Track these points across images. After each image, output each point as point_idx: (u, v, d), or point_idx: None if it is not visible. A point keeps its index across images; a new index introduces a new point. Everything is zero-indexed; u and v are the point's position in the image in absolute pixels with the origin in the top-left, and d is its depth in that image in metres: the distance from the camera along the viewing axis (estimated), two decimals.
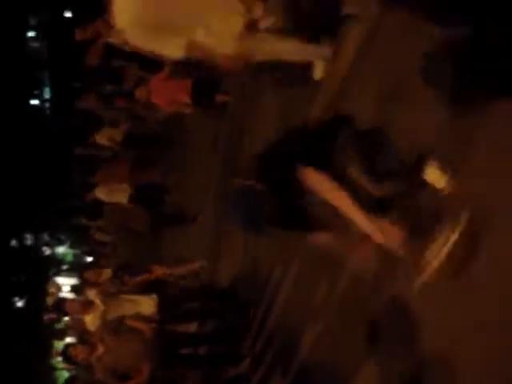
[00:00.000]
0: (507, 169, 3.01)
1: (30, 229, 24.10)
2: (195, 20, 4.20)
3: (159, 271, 8.34)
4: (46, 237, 25.98)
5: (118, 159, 11.63)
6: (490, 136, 3.16)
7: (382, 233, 3.32)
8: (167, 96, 7.96)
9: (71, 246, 25.76)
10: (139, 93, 8.21)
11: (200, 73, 7.54)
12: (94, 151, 12.22)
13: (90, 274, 8.63)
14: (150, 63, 8.30)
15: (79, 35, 8.16)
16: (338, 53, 4.82)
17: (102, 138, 11.19)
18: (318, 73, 5.01)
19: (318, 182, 3.37)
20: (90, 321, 7.10)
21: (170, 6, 4.12)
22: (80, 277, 9.36)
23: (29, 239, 25.33)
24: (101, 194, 10.48)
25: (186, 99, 7.87)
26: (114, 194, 10.31)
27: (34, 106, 24.13)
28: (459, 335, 3.15)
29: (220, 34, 4.29)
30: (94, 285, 8.13)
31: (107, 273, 8.40)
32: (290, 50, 4.72)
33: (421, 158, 3.31)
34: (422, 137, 3.62)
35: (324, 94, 5.25)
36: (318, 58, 4.94)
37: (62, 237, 25.85)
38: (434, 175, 3.25)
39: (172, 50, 4.36)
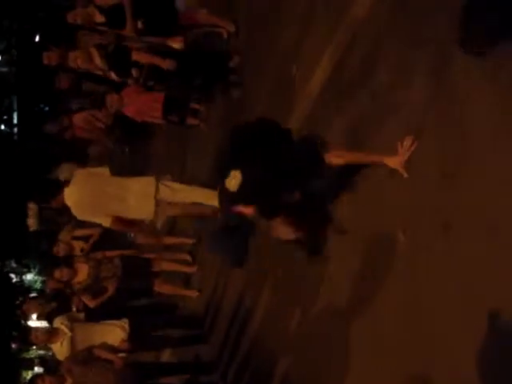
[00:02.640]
0: None
1: None
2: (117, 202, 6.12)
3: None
4: (12, 263, 25.53)
5: None
6: None
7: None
8: (139, 107, 7.88)
9: (39, 273, 25.32)
10: (110, 99, 8.09)
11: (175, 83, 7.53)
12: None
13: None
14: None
15: (46, 59, 8.08)
16: None
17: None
18: None
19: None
20: (58, 350, 6.90)
21: (98, 195, 6.13)
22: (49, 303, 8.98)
23: None
24: None
25: (158, 112, 7.81)
26: None
27: (1, 131, 23.87)
28: None
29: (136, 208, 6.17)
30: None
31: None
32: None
33: None
34: None
35: None
36: None
37: (30, 263, 25.40)
38: None
39: (103, 221, 6.37)
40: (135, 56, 7.39)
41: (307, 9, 5.66)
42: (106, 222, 6.30)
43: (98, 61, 7.73)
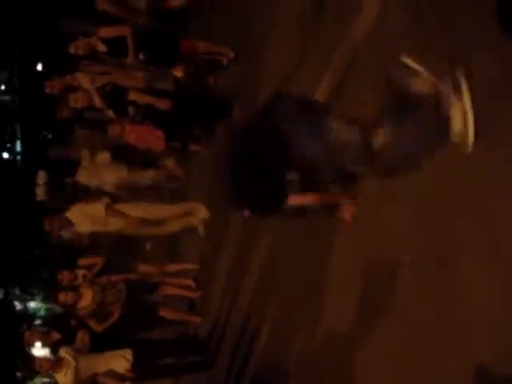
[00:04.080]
0: None
1: (0, 283, 23.65)
2: None
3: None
4: (16, 291, 25.51)
5: None
6: None
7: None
8: (141, 135, 7.95)
9: (43, 301, 25.28)
10: (112, 129, 8.17)
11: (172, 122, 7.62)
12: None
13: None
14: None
15: (48, 88, 8.18)
16: None
17: None
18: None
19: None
20: (62, 380, 6.89)
21: None
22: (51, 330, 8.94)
23: None
24: None
25: (160, 141, 7.89)
26: None
27: (5, 159, 24.00)
28: None
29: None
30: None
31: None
32: None
33: None
34: None
35: None
36: None
37: (34, 291, 25.37)
38: None
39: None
40: (132, 96, 7.50)
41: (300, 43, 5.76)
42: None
43: (96, 101, 7.85)
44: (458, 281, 3.25)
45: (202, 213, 7.74)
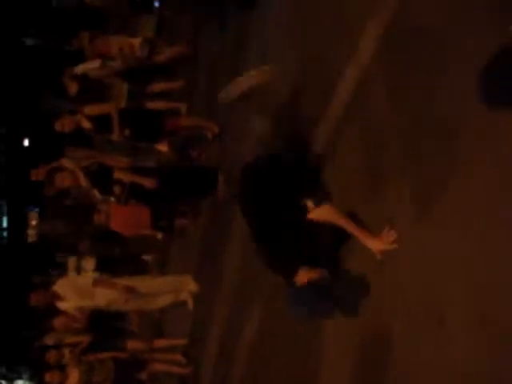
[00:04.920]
0: None
1: None
2: None
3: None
4: (3, 369, 25.03)
5: None
6: None
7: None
8: (126, 220, 7.95)
9: (30, 379, 24.76)
10: (97, 217, 8.18)
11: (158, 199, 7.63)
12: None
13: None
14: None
15: (34, 176, 8.24)
16: None
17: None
18: None
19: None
20: None
21: None
22: None
23: None
24: None
25: (146, 222, 7.88)
26: None
27: None
28: None
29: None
30: None
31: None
32: None
33: None
34: None
35: None
36: None
37: (21, 369, 24.89)
38: None
39: None
40: (117, 174, 7.55)
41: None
42: None
43: (82, 181, 7.90)
44: None
45: (190, 286, 7.70)
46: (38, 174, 8.24)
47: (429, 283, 3.53)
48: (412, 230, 3.73)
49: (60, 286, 7.44)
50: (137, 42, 8.69)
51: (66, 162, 8.17)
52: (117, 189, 7.60)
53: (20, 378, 26.29)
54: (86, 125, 7.64)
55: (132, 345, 8.14)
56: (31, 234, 10.59)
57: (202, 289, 7.68)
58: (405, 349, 3.67)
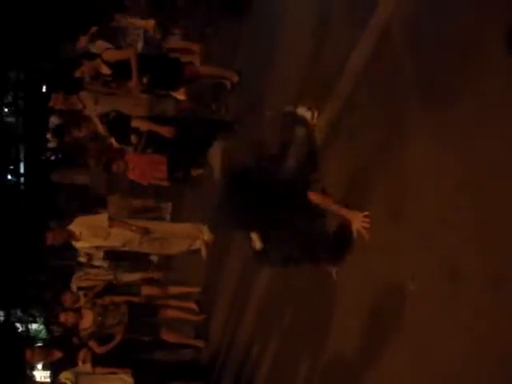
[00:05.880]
0: None
1: (2, 305, 23.58)
2: None
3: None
4: (18, 313, 25.43)
5: None
6: None
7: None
8: (143, 170, 7.98)
9: (45, 322, 25.17)
10: (116, 166, 8.22)
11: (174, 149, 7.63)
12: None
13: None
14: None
15: (54, 100, 8.25)
16: None
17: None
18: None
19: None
20: None
21: None
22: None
23: (0, 315, 24.76)
24: None
25: (163, 173, 7.90)
26: None
27: (9, 180, 24.02)
28: None
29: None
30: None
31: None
32: None
33: None
34: None
35: None
36: None
37: (35, 312, 25.30)
38: None
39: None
40: (135, 123, 7.52)
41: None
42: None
43: (100, 128, 7.92)
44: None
45: (205, 235, 7.75)
46: (57, 100, 8.27)
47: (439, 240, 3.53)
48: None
49: (76, 226, 7.52)
50: (150, 24, 8.72)
51: (85, 96, 8.20)
52: (134, 138, 7.61)
53: (35, 321, 26.75)
54: (105, 70, 7.59)
55: (146, 290, 8.25)
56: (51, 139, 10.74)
57: (215, 240, 7.72)
58: (416, 308, 3.67)
